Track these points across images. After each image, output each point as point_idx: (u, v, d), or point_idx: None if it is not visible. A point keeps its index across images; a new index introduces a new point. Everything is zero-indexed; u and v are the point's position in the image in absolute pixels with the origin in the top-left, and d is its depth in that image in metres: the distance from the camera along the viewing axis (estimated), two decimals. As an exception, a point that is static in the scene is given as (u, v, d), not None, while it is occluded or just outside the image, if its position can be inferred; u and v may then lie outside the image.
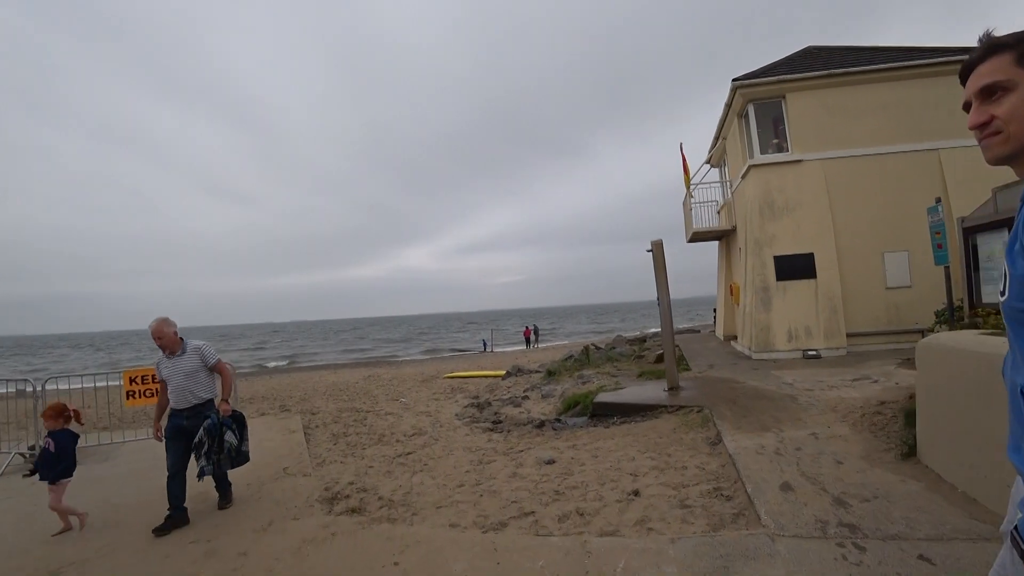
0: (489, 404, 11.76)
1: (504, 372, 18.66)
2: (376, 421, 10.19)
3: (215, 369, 5.17)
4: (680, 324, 60.84)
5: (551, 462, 6.03)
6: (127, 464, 6.99)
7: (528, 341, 43.08)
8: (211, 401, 5.16)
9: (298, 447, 7.53)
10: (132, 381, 7.32)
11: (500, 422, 9.43)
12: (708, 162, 19.29)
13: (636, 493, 4.92)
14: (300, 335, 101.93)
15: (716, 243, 20.24)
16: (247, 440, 5.36)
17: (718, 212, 19.22)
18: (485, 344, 45.94)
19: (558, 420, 8.91)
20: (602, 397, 9.15)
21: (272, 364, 41.76)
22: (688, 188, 17.07)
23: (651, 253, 9.46)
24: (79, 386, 9.07)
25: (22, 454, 7.11)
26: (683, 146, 17.38)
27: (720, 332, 19.05)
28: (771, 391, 8.61)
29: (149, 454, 7.38)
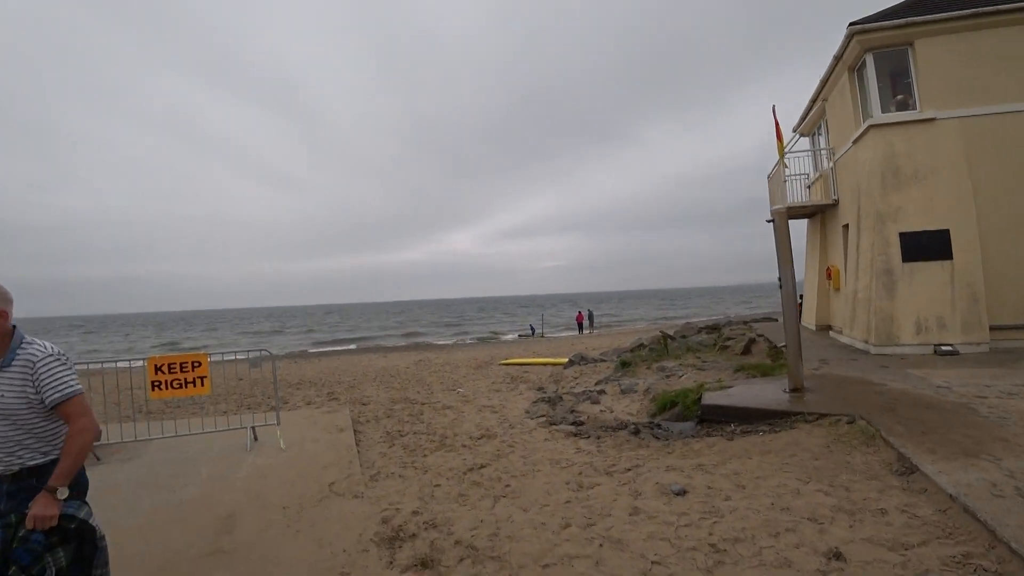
0: (560, 399, 10.25)
1: (566, 360, 17.16)
2: (434, 416, 8.84)
3: (60, 411, 2.50)
4: (737, 311, 57.77)
5: (682, 493, 4.46)
6: (149, 466, 5.83)
7: (581, 327, 41.34)
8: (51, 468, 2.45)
9: (347, 452, 6.21)
10: (158, 370, 6.15)
11: (582, 423, 7.92)
12: (797, 130, 17.06)
13: (837, 556, 3.31)
14: (351, 317, 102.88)
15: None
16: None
17: (809, 186, 17.00)
18: (533, 329, 44.48)
19: (656, 425, 7.31)
20: (711, 398, 7.47)
21: (320, 348, 41.56)
22: (782, 157, 14.94)
23: (773, 223, 7.70)
24: (110, 367, 8.06)
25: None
26: (775, 109, 15.23)
27: (812, 321, 16.92)
28: (932, 397, 6.76)
29: (174, 454, 6.23)
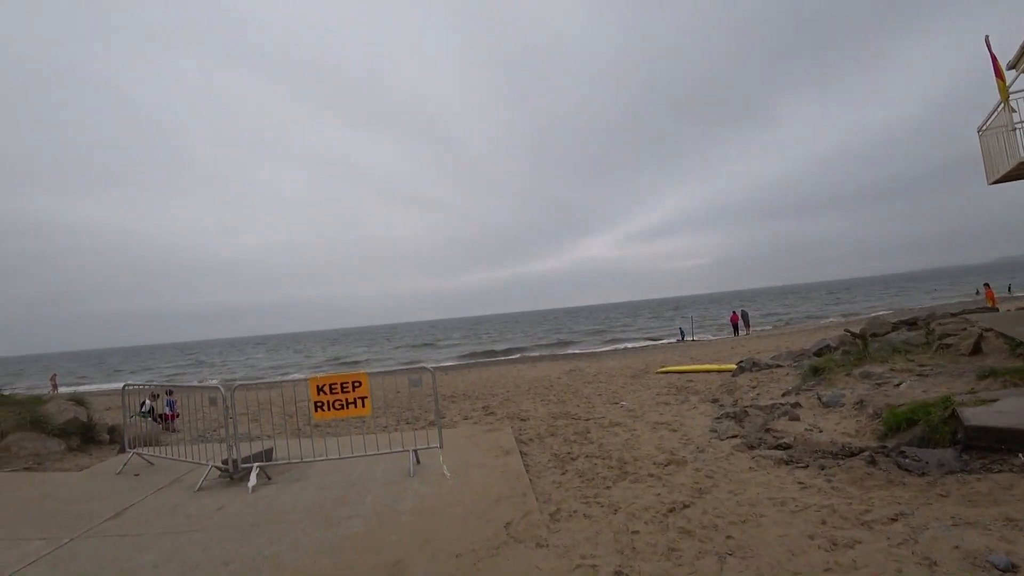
0: (746, 414, 8.77)
1: (733, 366, 15.34)
2: (603, 435, 7.90)
3: None
4: (923, 301, 49.47)
5: (1011, 569, 3.07)
6: (315, 490, 5.56)
7: (736, 328, 38.01)
8: None
9: (518, 481, 5.48)
10: (319, 390, 5.97)
11: (788, 446, 6.48)
12: (1016, 67, 13.65)
13: None
14: (498, 327, 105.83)
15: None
16: None
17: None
18: (683, 333, 41.79)
19: (897, 452, 5.70)
20: (975, 417, 5.65)
21: (471, 359, 42.66)
22: (1006, 101, 11.89)
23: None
24: (288, 381, 8.23)
25: (218, 467, 6.16)
26: (990, 41, 12.19)
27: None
28: None
29: (338, 476, 5.96)
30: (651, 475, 5.63)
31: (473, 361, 37.81)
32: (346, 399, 5.96)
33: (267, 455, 6.44)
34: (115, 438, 9.78)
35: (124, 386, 7.55)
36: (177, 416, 15.17)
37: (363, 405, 5.98)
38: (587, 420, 9.29)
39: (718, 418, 8.63)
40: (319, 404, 5.98)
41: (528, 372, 20.46)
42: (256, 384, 7.15)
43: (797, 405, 8.81)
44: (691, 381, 13.94)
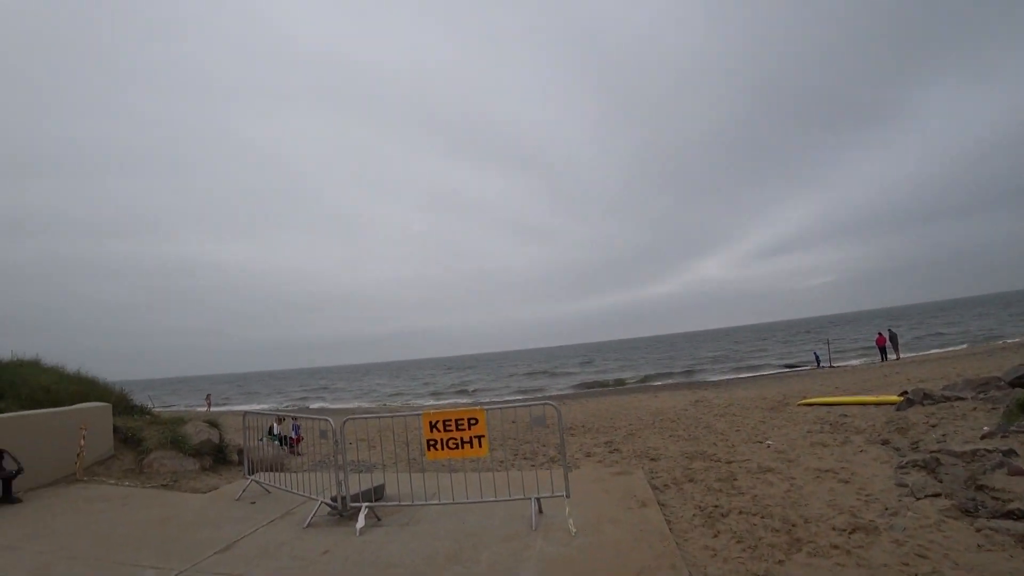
0: (938, 462, 7.01)
1: (898, 398, 13.02)
2: (754, 484, 6.64)
3: None
4: None
5: None
6: (427, 539, 4.95)
7: (884, 352, 33.39)
8: None
9: (662, 544, 4.48)
10: (433, 427, 5.42)
11: (1019, 517, 4.92)
12: None
13: None
14: (613, 354, 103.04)
15: None
16: None
17: None
18: (818, 358, 37.58)
19: None
20: None
21: (587, 388, 41.35)
22: None
23: None
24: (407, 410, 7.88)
25: (328, 504, 5.79)
26: None
27: None
28: None
29: (452, 524, 5.31)
30: (835, 547, 4.39)
31: (591, 390, 36.47)
32: (461, 438, 5.40)
33: (378, 492, 6.01)
34: (247, 456, 10.02)
35: (244, 414, 7.57)
36: (301, 440, 15.66)
37: (479, 445, 5.37)
38: (729, 463, 8.00)
39: (902, 467, 7.00)
40: (432, 443, 5.46)
41: (650, 403, 19.03)
42: (367, 417, 6.75)
43: (1012, 453, 6.94)
44: (845, 416, 11.94)
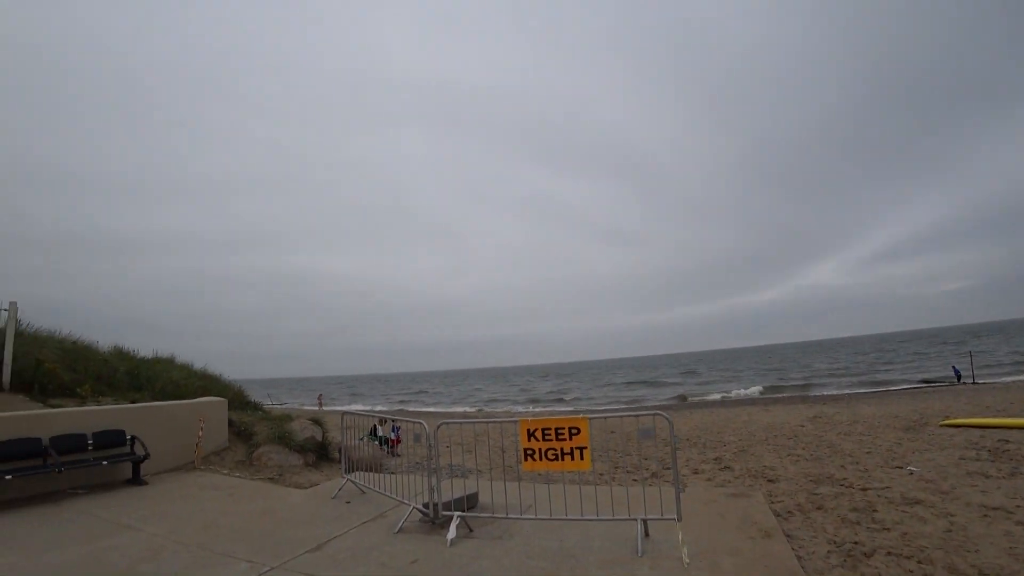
0: None
1: (1081, 426, 10.95)
2: (900, 518, 5.63)
3: None
4: None
5: None
6: (520, 556, 4.57)
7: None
8: None
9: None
10: (531, 435, 5.04)
11: None
12: None
13: None
14: (716, 364, 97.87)
15: None
16: None
17: None
18: (958, 373, 33.17)
19: None
20: None
21: (691, 400, 39.35)
22: None
23: None
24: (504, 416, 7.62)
25: (420, 509, 5.60)
26: None
27: None
28: None
29: (549, 541, 4.87)
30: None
31: (695, 402, 34.56)
32: (561, 448, 4.95)
33: (471, 501, 5.74)
34: (346, 455, 10.23)
35: (343, 414, 7.66)
36: (400, 441, 15.96)
37: (581, 457, 4.90)
38: (864, 490, 6.95)
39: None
40: (530, 452, 5.06)
41: (761, 417, 17.52)
42: (461, 421, 6.48)
43: None
44: (1006, 441, 10.18)
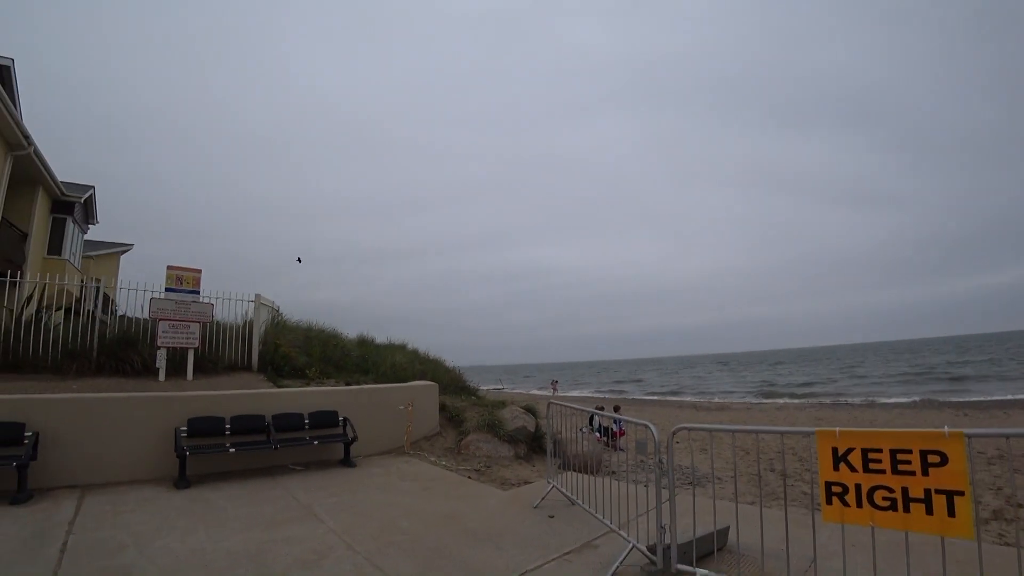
0: None
1: None
2: None
3: None
4: None
5: None
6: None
7: None
8: None
9: None
10: (841, 459, 2.71)
11: None
12: None
13: None
14: (997, 351, 74.05)
15: None
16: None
17: None
18: None
19: None
20: None
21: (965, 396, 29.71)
22: None
23: None
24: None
25: (643, 552, 3.82)
26: None
27: None
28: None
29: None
30: None
31: (972, 399, 25.62)
32: (905, 489, 2.63)
33: (720, 538, 3.77)
34: (557, 450, 8.90)
35: (548, 404, 6.22)
36: (623, 434, 14.28)
37: (949, 511, 2.50)
38: None
39: None
40: (838, 490, 2.83)
41: None
42: (706, 428, 4.14)
43: None
44: None
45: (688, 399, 35.23)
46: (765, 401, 32.52)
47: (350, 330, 14.69)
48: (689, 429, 3.62)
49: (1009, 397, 25.10)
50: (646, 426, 3.95)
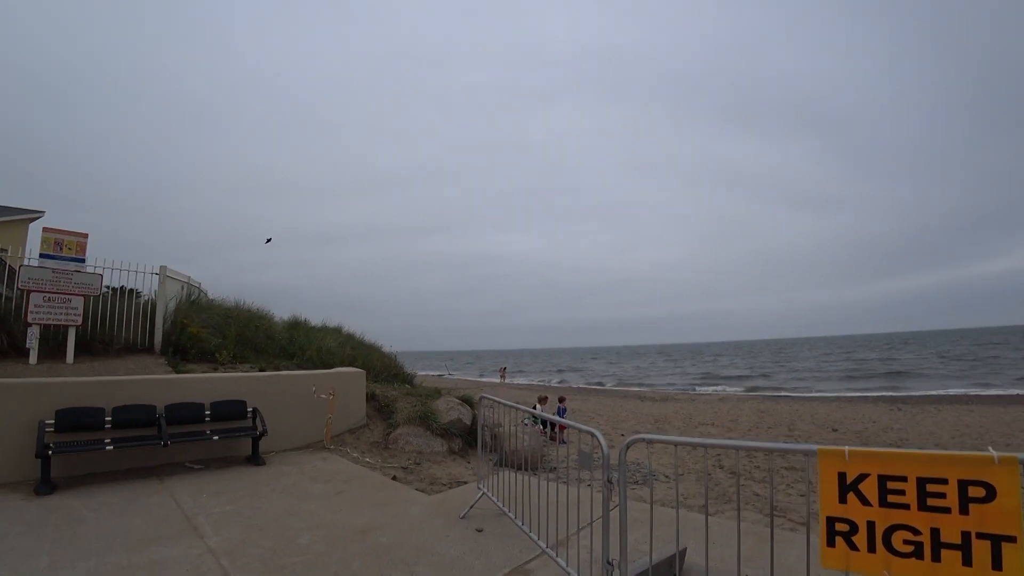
0: None
1: None
2: None
3: None
4: None
5: None
6: None
7: None
8: None
9: None
10: (852, 487, 1.99)
11: None
12: None
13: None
14: (931, 346, 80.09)
15: None
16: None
17: None
18: None
19: None
20: None
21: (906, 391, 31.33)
22: None
23: None
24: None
25: None
26: None
27: None
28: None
29: None
30: None
31: (916, 393, 26.82)
32: (934, 530, 1.92)
33: (678, 561, 3.12)
34: (494, 445, 8.18)
35: (480, 398, 5.41)
36: (566, 428, 13.75)
37: (996, 565, 1.79)
38: None
39: None
40: (841, 527, 2.10)
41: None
42: (668, 440, 3.31)
43: None
44: None
45: (633, 389, 35.19)
46: (707, 391, 33.00)
47: (296, 313, 13.51)
48: (648, 441, 2.91)
49: (940, 392, 26.37)
50: (592, 434, 3.22)
